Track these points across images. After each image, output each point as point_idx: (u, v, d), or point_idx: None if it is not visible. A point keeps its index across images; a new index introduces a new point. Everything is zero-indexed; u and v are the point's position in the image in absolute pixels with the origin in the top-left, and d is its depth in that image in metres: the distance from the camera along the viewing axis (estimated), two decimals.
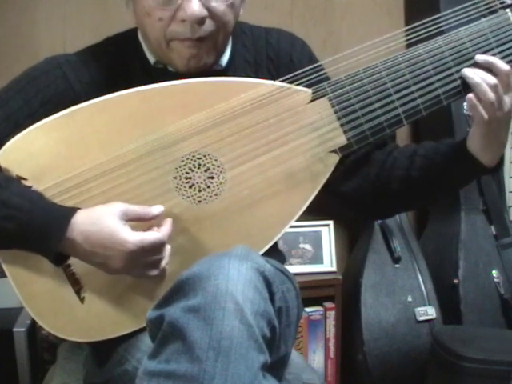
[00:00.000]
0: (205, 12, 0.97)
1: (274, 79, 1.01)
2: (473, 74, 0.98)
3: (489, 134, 0.98)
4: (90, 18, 1.90)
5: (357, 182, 1.12)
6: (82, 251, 0.92)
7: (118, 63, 1.07)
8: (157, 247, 0.92)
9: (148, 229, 0.94)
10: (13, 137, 0.97)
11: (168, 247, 0.95)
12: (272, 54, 1.11)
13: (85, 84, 1.04)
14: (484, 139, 0.99)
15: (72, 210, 0.93)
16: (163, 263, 0.94)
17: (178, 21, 0.98)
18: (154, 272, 0.94)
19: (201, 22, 0.97)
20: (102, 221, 0.91)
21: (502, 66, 0.97)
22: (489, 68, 0.98)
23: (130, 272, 0.94)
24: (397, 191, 1.09)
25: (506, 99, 0.97)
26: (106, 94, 0.99)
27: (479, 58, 0.99)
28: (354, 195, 1.13)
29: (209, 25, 0.99)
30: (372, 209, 1.15)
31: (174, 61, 1.03)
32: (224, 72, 1.08)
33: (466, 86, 0.99)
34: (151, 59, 1.08)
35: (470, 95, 0.97)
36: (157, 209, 0.95)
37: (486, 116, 0.96)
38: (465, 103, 1.05)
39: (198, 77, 1.01)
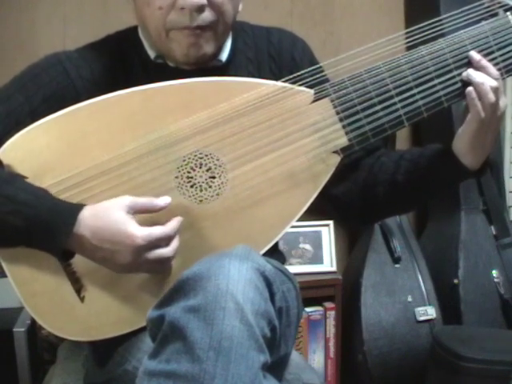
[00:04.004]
0: (204, 0, 0.98)
1: (276, 78, 1.02)
2: (476, 74, 0.99)
3: (478, 134, 0.99)
4: (89, 18, 1.90)
5: (346, 185, 1.13)
6: (89, 247, 0.92)
7: (119, 59, 1.08)
8: (163, 242, 0.92)
9: (154, 224, 0.93)
10: (14, 134, 0.97)
11: (175, 243, 0.94)
12: (274, 53, 1.12)
13: (86, 80, 1.05)
14: (472, 139, 1.00)
15: (79, 206, 0.93)
16: (170, 259, 0.94)
17: (177, 9, 0.99)
18: (161, 268, 0.94)
19: (200, 10, 0.98)
20: (110, 215, 0.91)
21: (494, 72, 0.99)
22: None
23: (137, 268, 0.94)
24: (382, 195, 1.10)
25: (501, 103, 0.98)
26: (106, 90, 0.99)
27: (474, 55, 1.00)
28: (343, 199, 1.14)
29: (208, 14, 1.00)
30: (360, 213, 1.16)
31: (173, 51, 1.03)
32: (225, 68, 1.09)
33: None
34: (151, 54, 1.08)
35: (470, 88, 0.98)
36: (163, 200, 0.94)
37: (482, 114, 0.97)
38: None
39: (197, 71, 1.02)
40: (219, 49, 1.07)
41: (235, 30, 1.11)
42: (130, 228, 0.90)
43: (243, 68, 1.10)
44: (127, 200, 0.93)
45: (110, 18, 1.87)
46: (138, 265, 0.92)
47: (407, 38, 1.01)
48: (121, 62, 1.07)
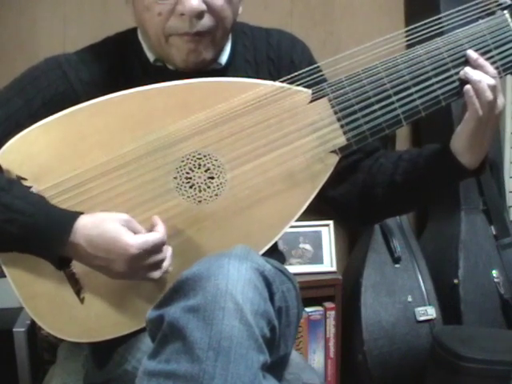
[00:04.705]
0: (203, 6, 0.98)
1: (275, 80, 1.01)
2: (473, 72, 0.99)
3: (476, 132, 0.99)
4: (89, 18, 1.91)
5: (344, 187, 1.13)
6: (85, 255, 0.92)
7: (118, 62, 1.07)
8: (159, 248, 0.92)
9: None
10: (13, 137, 0.97)
11: (169, 248, 0.95)
12: (273, 55, 1.12)
13: (85, 83, 1.05)
14: (470, 138, 0.99)
15: (75, 215, 0.93)
16: (166, 264, 0.94)
17: (176, 15, 0.98)
18: (157, 274, 0.94)
19: (199, 16, 0.98)
20: (105, 225, 0.91)
21: (491, 70, 0.98)
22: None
23: (133, 276, 0.94)
24: (381, 196, 1.10)
25: (499, 102, 0.98)
26: (106, 92, 0.99)
27: (471, 54, 1.00)
28: (342, 200, 1.14)
29: (207, 20, 1.00)
30: (359, 214, 1.16)
31: (172, 57, 1.03)
32: (224, 71, 1.08)
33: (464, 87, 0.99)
34: (151, 57, 1.08)
35: (468, 86, 0.98)
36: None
37: (480, 112, 0.97)
38: None
39: (197, 74, 1.02)
40: (219, 52, 1.07)
41: (235, 32, 1.11)
42: (123, 237, 0.90)
43: (242, 71, 1.10)
44: (125, 215, 0.93)
45: (110, 19, 1.87)
46: (134, 272, 0.93)
47: (406, 36, 1.01)
48: (120, 64, 1.07)
